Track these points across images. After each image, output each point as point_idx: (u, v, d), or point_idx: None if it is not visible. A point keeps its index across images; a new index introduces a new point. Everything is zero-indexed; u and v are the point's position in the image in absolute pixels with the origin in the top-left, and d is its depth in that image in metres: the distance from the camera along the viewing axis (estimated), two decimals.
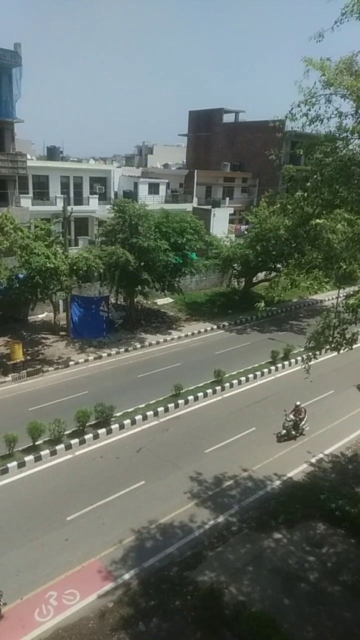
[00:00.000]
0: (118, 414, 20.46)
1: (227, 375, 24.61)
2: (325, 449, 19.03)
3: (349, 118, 11.38)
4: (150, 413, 21.00)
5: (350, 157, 11.25)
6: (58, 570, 12.82)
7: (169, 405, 21.72)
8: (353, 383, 24.65)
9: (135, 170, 56.59)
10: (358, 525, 14.47)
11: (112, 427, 19.77)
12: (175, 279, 32.61)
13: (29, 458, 17.39)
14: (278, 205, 14.64)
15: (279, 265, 33.79)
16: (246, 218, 39.24)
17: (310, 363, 13.26)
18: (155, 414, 21.13)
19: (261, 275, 39.04)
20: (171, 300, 37.39)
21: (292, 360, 27.30)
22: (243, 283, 39.58)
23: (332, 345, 13.21)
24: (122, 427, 20.00)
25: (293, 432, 19.12)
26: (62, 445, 18.24)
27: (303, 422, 19.30)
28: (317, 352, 13.43)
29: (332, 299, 36.57)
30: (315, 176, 11.60)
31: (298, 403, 19.32)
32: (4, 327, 29.22)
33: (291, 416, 19.09)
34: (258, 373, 25.74)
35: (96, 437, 19.20)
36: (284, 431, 19.06)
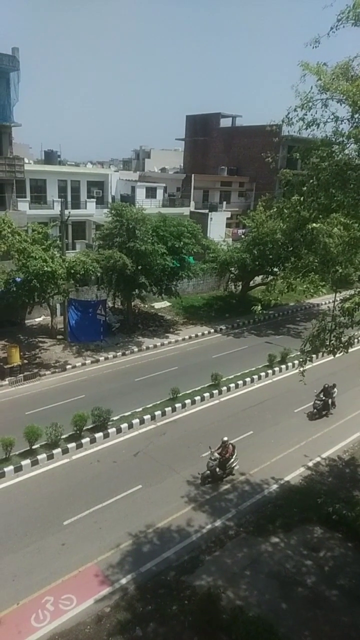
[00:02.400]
0: (115, 418, 20.43)
1: (224, 379, 24.61)
2: (322, 452, 19.03)
3: (345, 123, 11.49)
4: (147, 417, 20.97)
5: (346, 161, 11.33)
6: (55, 575, 12.76)
7: (166, 409, 21.70)
8: (350, 387, 24.70)
9: (132, 174, 56.78)
10: (355, 529, 14.46)
11: (109, 431, 19.74)
12: (173, 282, 32.62)
13: (26, 462, 17.34)
14: (275, 210, 14.68)
15: (275, 269, 33.86)
16: (243, 222, 39.33)
17: (306, 367, 13.28)
18: (153, 417, 21.11)
19: (258, 279, 39.11)
20: (168, 304, 37.42)
21: (289, 364, 27.34)
22: (240, 287, 39.65)
23: (328, 349, 13.23)
24: (119, 431, 19.97)
25: (219, 472, 16.62)
26: (59, 450, 18.19)
27: (231, 461, 16.88)
28: (313, 356, 13.45)
29: (329, 302, 36.61)
30: (311, 180, 11.66)
31: (225, 439, 16.97)
32: (0, 330, 29.18)
33: (216, 454, 16.58)
34: (255, 377, 25.76)
35: (93, 441, 19.16)
36: (208, 472, 16.56)
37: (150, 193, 48.44)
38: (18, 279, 25.11)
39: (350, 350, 13.52)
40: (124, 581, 12.70)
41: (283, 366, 27.19)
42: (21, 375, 24.28)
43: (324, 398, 21.36)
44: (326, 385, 21.61)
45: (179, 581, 12.68)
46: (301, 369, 13.17)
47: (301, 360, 13.41)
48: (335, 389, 21.82)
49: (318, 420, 21.40)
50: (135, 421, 20.57)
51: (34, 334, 30.26)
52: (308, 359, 13.27)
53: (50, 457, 17.91)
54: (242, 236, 40.66)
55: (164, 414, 21.50)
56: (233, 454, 16.97)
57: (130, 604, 12.00)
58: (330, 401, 21.55)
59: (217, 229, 46.10)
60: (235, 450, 17.09)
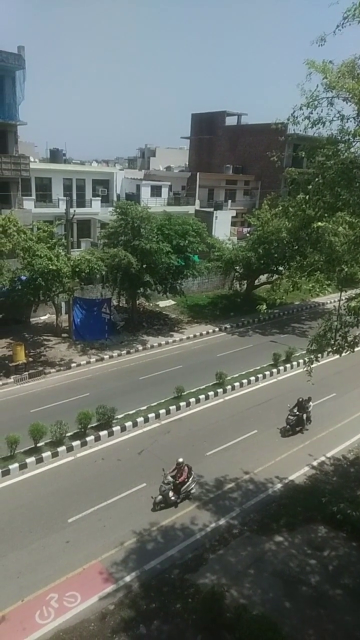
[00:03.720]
0: (119, 416, 20.47)
1: (228, 378, 24.59)
2: (327, 451, 18.99)
3: (350, 121, 11.47)
4: (151, 415, 21.00)
5: (352, 160, 11.28)
6: (59, 572, 12.81)
7: (171, 408, 21.72)
8: (355, 386, 24.66)
9: (137, 172, 56.71)
10: (359, 529, 14.43)
11: (114, 429, 19.78)
12: (177, 281, 32.62)
13: (31, 460, 17.41)
14: (280, 208, 14.66)
15: (280, 268, 33.78)
16: (248, 221, 39.29)
17: (312, 366, 13.25)
18: (157, 416, 21.14)
19: (263, 277, 39.07)
20: (173, 302, 37.43)
21: (294, 363, 27.29)
22: (245, 285, 39.60)
23: (334, 348, 13.21)
24: (123, 429, 20.00)
25: (172, 498, 15.28)
26: (63, 447, 18.25)
27: (187, 484, 15.56)
28: (319, 355, 13.42)
29: (334, 301, 36.51)
30: (317, 179, 11.62)
31: (180, 460, 15.60)
32: (6, 328, 29.29)
33: (169, 477, 15.32)
34: (260, 375, 25.73)
35: (97, 439, 19.21)
36: (160, 497, 15.28)
37: (156, 191, 48.43)
38: (23, 277, 25.17)
39: (356, 349, 13.50)
40: (128, 579, 12.74)
41: (288, 365, 27.14)
42: (26, 373, 24.36)
43: (297, 413, 19.77)
44: (300, 399, 19.95)
45: (183, 579, 12.71)
46: (308, 368, 13.14)
47: (307, 360, 13.37)
48: (311, 403, 20.27)
49: (322, 419, 21.31)
50: (140, 419, 20.60)
51: (39, 332, 30.35)
52: (315, 358, 13.23)
53: (55, 454, 17.97)
54: (247, 235, 40.59)
55: (168, 412, 21.52)
56: (189, 476, 15.58)
57: (134, 601, 12.03)
58: (305, 416, 19.98)
59: (222, 227, 46.02)
60: (192, 472, 15.72)
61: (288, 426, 19.76)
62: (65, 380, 24.70)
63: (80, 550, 13.53)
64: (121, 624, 11.42)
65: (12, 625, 11.33)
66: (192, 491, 15.89)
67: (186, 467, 15.58)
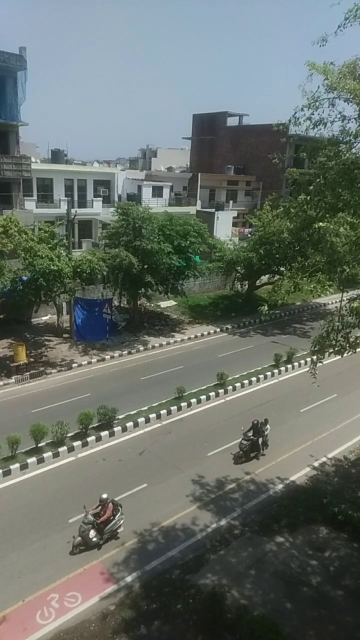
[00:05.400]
0: (121, 417, 20.47)
1: (230, 378, 24.59)
2: (328, 452, 18.97)
3: (352, 122, 11.44)
4: (152, 416, 21.00)
5: (354, 160, 11.27)
6: (60, 573, 12.81)
7: (172, 408, 21.72)
8: (356, 387, 24.65)
9: (139, 173, 56.76)
10: None
11: (115, 429, 19.78)
12: (179, 281, 32.63)
13: (32, 460, 17.42)
14: (281, 209, 14.65)
15: (282, 269, 33.77)
16: (250, 221, 39.28)
17: (316, 367, 13.22)
18: (158, 416, 21.14)
19: (264, 278, 39.07)
20: (174, 303, 37.43)
21: (296, 364, 27.29)
22: (246, 286, 39.59)
23: (336, 349, 13.18)
24: (124, 429, 20.01)
25: (94, 539, 13.46)
26: (64, 448, 18.26)
27: (112, 523, 13.79)
28: (322, 356, 13.39)
29: (336, 302, 36.50)
30: (318, 180, 11.61)
31: (104, 496, 13.86)
32: (7, 329, 29.32)
33: (89, 516, 13.47)
34: (261, 376, 25.72)
35: (99, 439, 19.21)
36: (79, 538, 13.44)
37: (157, 192, 48.47)
38: (25, 278, 25.19)
39: (358, 350, 13.48)
40: (129, 579, 12.74)
41: (289, 366, 27.12)
42: (27, 373, 24.38)
43: (252, 437, 17.96)
44: (255, 422, 18.11)
45: (183, 580, 12.70)
46: (313, 369, 13.09)
47: (314, 359, 13.32)
48: (268, 426, 18.48)
49: (323, 420, 21.28)
50: (141, 420, 20.60)
51: (40, 332, 30.38)
52: (319, 360, 13.21)
53: (56, 455, 17.98)
54: (249, 235, 40.60)
55: (169, 412, 21.52)
56: (115, 513, 13.81)
57: (135, 602, 12.03)
58: (260, 441, 18.16)
59: (224, 228, 46.05)
60: (119, 508, 13.99)
61: (241, 452, 17.97)
62: (66, 380, 24.71)
63: (81, 551, 13.52)
64: (122, 624, 11.42)
65: (12, 626, 11.33)
66: (120, 530, 14.00)
67: (111, 504, 13.87)
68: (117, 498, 15.65)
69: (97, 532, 13.52)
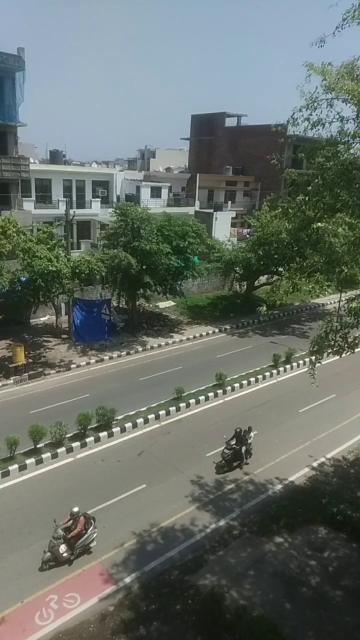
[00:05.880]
0: (119, 417, 20.46)
1: (228, 379, 24.59)
2: (326, 452, 18.98)
3: (350, 122, 11.47)
4: (151, 416, 20.99)
5: (352, 161, 11.29)
6: (59, 574, 12.79)
7: (171, 409, 21.71)
8: (355, 387, 24.67)
9: (137, 173, 56.76)
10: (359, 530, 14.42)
11: (114, 430, 19.77)
12: (177, 282, 32.65)
13: (30, 461, 17.40)
14: (280, 209, 14.69)
15: (280, 269, 33.81)
16: (248, 222, 39.32)
17: (315, 367, 13.22)
18: (157, 417, 21.13)
19: (263, 278, 39.10)
20: (173, 303, 37.43)
21: (294, 364, 27.31)
22: (245, 286, 39.62)
23: (334, 349, 13.19)
24: (123, 430, 20.00)
25: (64, 555, 12.91)
26: (63, 448, 18.24)
27: (84, 538, 13.22)
28: (320, 357, 13.40)
29: (334, 302, 36.56)
30: (316, 180, 11.63)
31: (75, 510, 13.38)
32: (6, 329, 29.28)
33: (59, 530, 13.03)
34: (260, 376, 25.73)
35: (97, 440, 19.20)
36: (48, 554, 12.90)
37: (155, 192, 48.45)
38: (23, 279, 25.18)
39: (356, 350, 13.49)
40: (127, 580, 12.72)
41: (288, 366, 27.14)
42: (26, 374, 24.35)
43: (235, 446, 17.38)
44: (238, 430, 17.58)
45: (182, 580, 12.69)
46: (311, 370, 13.10)
47: (311, 361, 13.34)
48: (252, 434, 18.02)
49: (322, 421, 21.29)
50: (140, 420, 20.59)
51: (38, 333, 30.35)
52: (318, 360, 13.22)
53: (55, 456, 17.96)
54: (247, 236, 40.63)
55: (168, 413, 21.51)
56: (87, 527, 13.31)
57: (134, 602, 12.02)
58: (244, 449, 17.58)
59: (222, 228, 46.07)
60: (91, 522, 13.49)
61: (223, 461, 17.35)
62: (65, 381, 24.69)
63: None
64: (121, 625, 11.41)
65: (11, 627, 11.31)
66: (93, 544, 13.44)
67: (83, 518, 13.35)
68: (115, 499, 15.70)
69: (68, 547, 13.01)
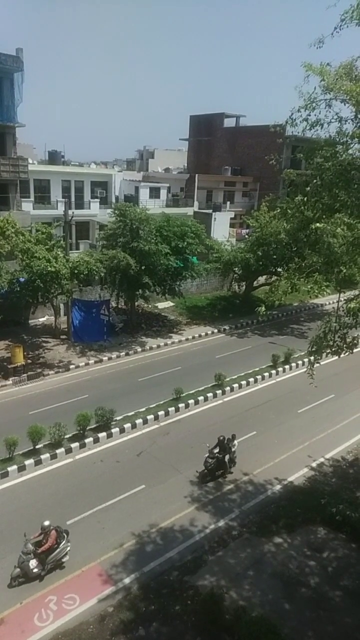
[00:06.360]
0: (118, 418, 20.44)
1: (227, 379, 24.59)
2: (326, 453, 18.99)
3: (348, 123, 11.48)
4: (150, 417, 20.98)
5: (350, 161, 11.30)
6: (58, 575, 12.78)
7: (170, 409, 21.70)
8: (354, 387, 24.68)
9: (136, 174, 56.80)
10: (359, 530, 14.42)
11: (113, 430, 19.76)
12: (176, 282, 32.64)
13: (29, 462, 17.38)
14: (278, 210, 14.71)
15: (279, 269, 33.85)
16: (247, 222, 39.35)
17: (314, 368, 13.23)
18: (156, 417, 21.12)
19: (262, 279, 39.13)
20: (172, 304, 37.42)
21: (293, 364, 27.32)
22: (244, 287, 39.64)
23: (333, 349, 13.21)
24: (122, 430, 19.99)
25: (34, 570, 12.35)
26: (62, 449, 18.22)
27: (56, 552, 12.64)
28: (319, 357, 13.42)
29: (333, 303, 36.59)
30: (315, 180, 11.64)
31: (46, 523, 12.76)
32: (4, 330, 29.24)
33: (29, 545, 12.44)
34: (259, 377, 25.73)
35: (96, 440, 19.19)
36: (17, 570, 12.35)
37: (154, 193, 48.46)
38: (22, 279, 25.16)
39: (354, 350, 13.51)
40: (127, 581, 12.71)
41: (287, 366, 27.15)
42: (25, 375, 24.33)
43: (217, 455, 16.79)
44: (221, 438, 16.98)
45: (182, 581, 12.68)
46: (310, 370, 13.11)
47: (312, 360, 13.34)
48: (235, 442, 17.46)
49: (321, 421, 21.29)
50: (139, 421, 20.58)
51: (37, 334, 30.33)
52: (317, 360, 13.23)
53: (54, 456, 17.95)
54: (246, 236, 40.67)
55: (167, 414, 21.50)
56: (59, 541, 12.73)
57: (133, 603, 12.01)
58: (227, 458, 16.98)
59: (221, 229, 46.11)
60: (64, 535, 12.94)
61: (206, 470, 16.73)
62: (63, 382, 24.67)
63: (79, 552, 13.49)
64: (120, 626, 11.39)
65: (10, 628, 11.29)
66: (65, 559, 12.91)
67: (54, 531, 12.73)
68: (114, 500, 15.69)
69: (39, 562, 12.45)
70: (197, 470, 17.21)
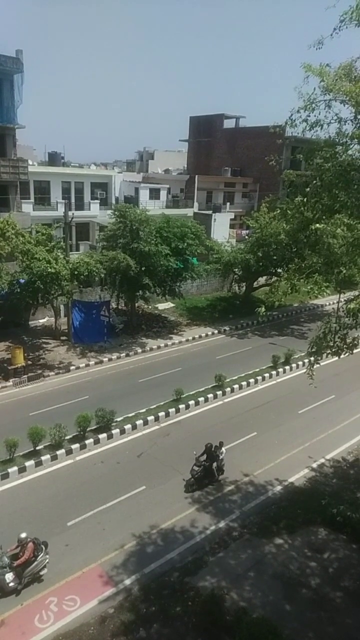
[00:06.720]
0: (119, 419, 20.44)
1: (227, 380, 24.58)
2: (326, 453, 18.98)
3: (348, 123, 11.50)
4: (151, 418, 20.97)
5: (350, 162, 11.32)
6: (58, 576, 12.77)
7: (170, 410, 21.70)
8: (354, 388, 24.67)
9: (136, 175, 56.81)
10: (359, 531, 14.41)
11: (113, 432, 19.75)
12: (176, 283, 32.66)
13: (30, 463, 17.38)
14: (278, 211, 14.72)
15: (279, 270, 33.86)
16: (247, 223, 39.34)
17: (314, 368, 13.23)
18: (156, 418, 21.11)
19: (262, 280, 39.12)
20: (172, 305, 37.43)
21: (293, 365, 27.31)
22: (244, 288, 39.63)
23: (333, 350, 13.21)
24: (122, 432, 19.98)
25: (11, 584, 12.00)
26: (62, 450, 18.22)
27: (33, 565, 12.27)
28: (319, 357, 13.43)
29: (333, 303, 36.58)
30: (315, 181, 11.66)
31: (23, 535, 12.42)
32: (5, 331, 29.26)
33: (5, 559, 12.17)
34: (259, 378, 25.72)
35: (97, 442, 19.18)
36: None
37: (154, 194, 48.46)
38: (22, 281, 25.18)
39: (354, 351, 13.50)
40: (127, 582, 12.70)
41: (287, 367, 27.14)
42: (25, 376, 24.33)
43: (205, 463, 16.37)
44: (209, 445, 16.50)
45: (182, 582, 12.67)
46: (310, 371, 13.11)
47: (311, 361, 13.34)
48: (223, 449, 16.95)
49: (321, 421, 21.28)
50: (139, 422, 20.57)
51: (37, 335, 30.33)
52: (317, 361, 13.22)
53: (54, 458, 17.94)
54: (246, 237, 40.65)
55: (167, 415, 21.50)
56: (36, 554, 12.34)
57: (133, 605, 12.00)
58: (215, 465, 16.54)
59: (221, 230, 46.12)
60: (42, 547, 12.57)
61: (192, 479, 16.27)
62: (64, 383, 24.67)
63: (79, 554, 13.50)
64: (121, 627, 11.38)
65: (11, 630, 11.28)
66: (43, 572, 12.54)
67: (32, 544, 12.33)
68: (115, 501, 15.67)
69: (16, 575, 12.06)
70: (183, 478, 16.79)
